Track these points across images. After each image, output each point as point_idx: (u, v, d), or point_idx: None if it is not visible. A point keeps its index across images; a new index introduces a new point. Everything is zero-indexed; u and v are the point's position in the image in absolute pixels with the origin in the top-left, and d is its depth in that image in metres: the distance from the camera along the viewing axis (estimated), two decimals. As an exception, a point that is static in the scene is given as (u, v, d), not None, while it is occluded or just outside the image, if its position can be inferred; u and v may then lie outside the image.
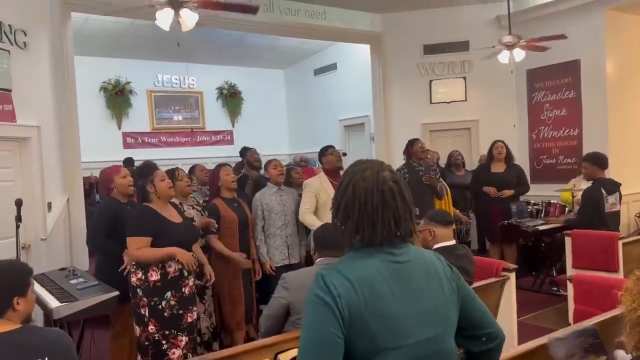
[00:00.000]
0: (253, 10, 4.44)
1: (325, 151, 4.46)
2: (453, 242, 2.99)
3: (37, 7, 5.23)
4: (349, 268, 1.32)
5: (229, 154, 10.34)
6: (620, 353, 1.66)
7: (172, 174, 3.71)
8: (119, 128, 9.69)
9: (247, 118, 11.08)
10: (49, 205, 5.18)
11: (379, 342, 1.26)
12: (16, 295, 1.85)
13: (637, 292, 1.54)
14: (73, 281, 3.51)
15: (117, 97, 9.52)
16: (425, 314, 1.33)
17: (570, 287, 3.17)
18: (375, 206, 1.34)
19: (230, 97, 10.92)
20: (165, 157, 9.24)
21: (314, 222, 4.23)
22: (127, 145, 9.74)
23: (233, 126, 11.03)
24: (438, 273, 1.41)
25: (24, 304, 1.89)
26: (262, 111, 11.09)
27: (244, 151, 10.06)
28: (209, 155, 10.23)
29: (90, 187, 7.75)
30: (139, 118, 9.94)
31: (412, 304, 1.32)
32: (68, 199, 5.57)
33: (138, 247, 3.15)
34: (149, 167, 3.35)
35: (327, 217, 4.12)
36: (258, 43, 8.98)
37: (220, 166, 4.06)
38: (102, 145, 8.77)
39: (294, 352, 2.24)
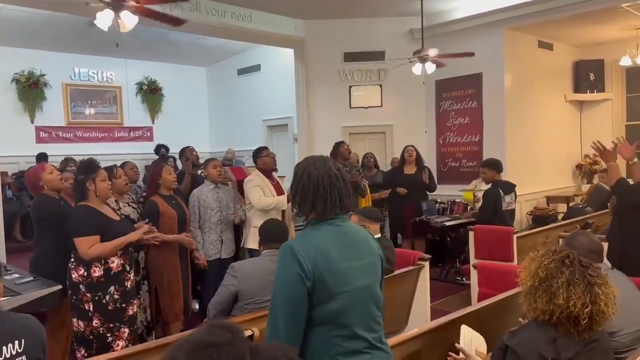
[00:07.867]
0: (179, 22, 4.66)
1: (260, 152, 4.67)
2: (379, 235, 3.41)
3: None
4: (309, 238, 1.79)
5: (148, 150, 10.24)
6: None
7: (110, 171, 3.76)
8: (32, 122, 9.25)
9: (168, 115, 10.98)
10: (-35, 202, 5.01)
11: (332, 289, 1.72)
12: None
13: (530, 269, 2.00)
14: (8, 277, 3.51)
15: (31, 89, 9.08)
16: (363, 268, 1.82)
17: (474, 273, 3.68)
18: (325, 186, 1.79)
19: (150, 93, 10.76)
20: (80, 152, 8.94)
21: (272, 201, 4.46)
22: (40, 140, 9.31)
23: (153, 122, 10.89)
24: (370, 241, 1.93)
25: None
26: (183, 108, 11.03)
27: (159, 148, 10.07)
28: (127, 152, 10.01)
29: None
30: (54, 112, 9.54)
31: (354, 260, 1.80)
32: (-15, 195, 5.40)
33: (89, 245, 3.21)
34: (93, 165, 3.41)
35: (272, 212, 4.44)
36: (182, 40, 8.96)
37: (161, 165, 4.19)
38: (13, 140, 8.36)
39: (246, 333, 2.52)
